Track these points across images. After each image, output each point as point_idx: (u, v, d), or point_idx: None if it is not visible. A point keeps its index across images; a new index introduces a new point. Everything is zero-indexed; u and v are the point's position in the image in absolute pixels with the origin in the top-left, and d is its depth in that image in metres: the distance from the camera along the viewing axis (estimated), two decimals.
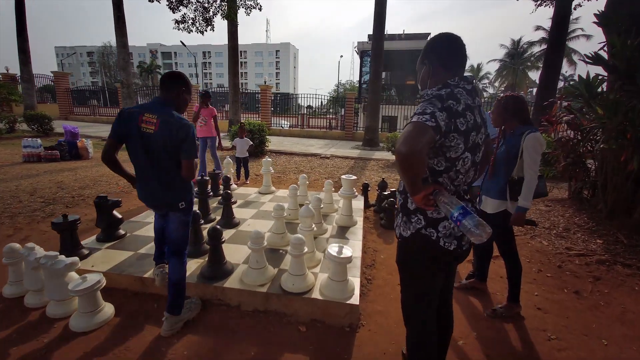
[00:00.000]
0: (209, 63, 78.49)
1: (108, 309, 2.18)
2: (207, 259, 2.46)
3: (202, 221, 2.77)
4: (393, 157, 8.67)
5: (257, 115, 15.75)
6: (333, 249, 2.22)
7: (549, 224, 4.17)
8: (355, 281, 2.38)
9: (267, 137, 9.07)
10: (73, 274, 2.24)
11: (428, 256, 1.40)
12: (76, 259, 2.22)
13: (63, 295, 2.16)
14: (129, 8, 11.97)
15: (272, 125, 15.45)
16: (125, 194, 4.93)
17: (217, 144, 5.56)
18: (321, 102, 16.83)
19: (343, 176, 3.48)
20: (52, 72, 16.10)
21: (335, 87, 53.49)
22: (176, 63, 79.25)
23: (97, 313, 2.11)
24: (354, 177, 3.48)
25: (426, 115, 1.20)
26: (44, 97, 20.94)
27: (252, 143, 5.91)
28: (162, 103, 1.96)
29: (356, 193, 3.54)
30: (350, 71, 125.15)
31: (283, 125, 16.11)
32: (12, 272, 2.37)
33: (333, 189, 4.00)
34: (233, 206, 4.04)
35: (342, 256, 2.15)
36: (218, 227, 2.39)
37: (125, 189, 5.16)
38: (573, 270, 3.06)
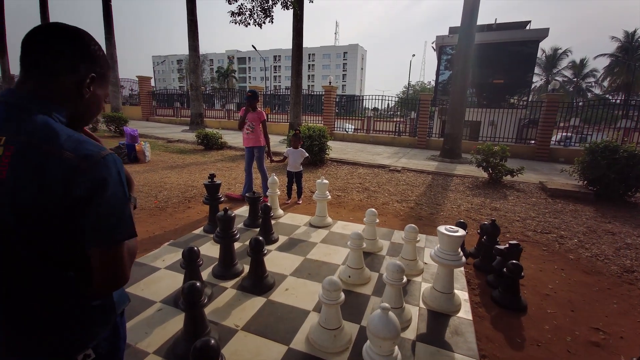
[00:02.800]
0: (279, 66, 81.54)
1: None
2: None
3: (205, 300, 1.66)
4: (483, 174, 6.81)
5: (320, 118, 14.84)
6: None
7: None
8: None
9: (329, 143, 7.94)
10: None
11: None
12: None
13: None
14: (212, 19, 12.02)
15: (336, 128, 14.35)
16: (159, 210, 4.22)
17: (264, 155, 4.58)
18: (388, 104, 15.20)
19: (442, 229, 2.09)
20: (136, 76, 17.43)
21: (404, 89, 50.53)
22: (249, 67, 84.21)
23: None
24: (462, 233, 2.06)
25: None
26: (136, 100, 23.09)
27: (307, 155, 4.80)
28: (22, 103, 0.73)
29: (463, 259, 2.11)
30: (421, 72, 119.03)
31: (347, 129, 14.89)
32: None
33: (418, 237, 2.61)
34: (272, 247, 2.95)
35: None
36: (212, 342, 1.25)
37: (160, 204, 4.46)
38: None
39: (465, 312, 2.11)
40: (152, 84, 18.46)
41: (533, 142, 11.26)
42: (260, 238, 2.26)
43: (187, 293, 1.60)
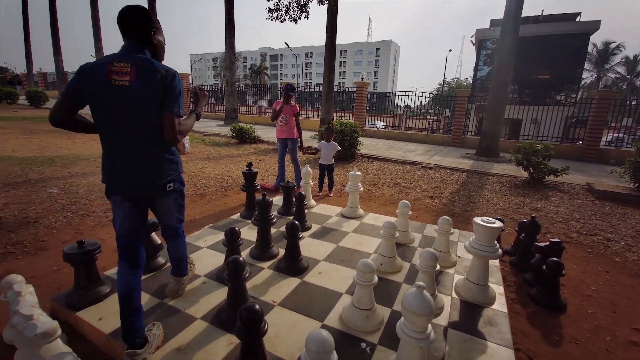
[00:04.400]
0: (310, 63, 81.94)
1: None
2: (238, 355, 1.46)
3: (247, 273, 1.79)
4: (523, 174, 6.50)
5: (351, 115, 14.81)
6: None
7: None
8: None
9: (360, 139, 7.95)
10: (55, 345, 1.52)
11: None
12: (53, 326, 1.48)
13: None
14: (247, 17, 12.39)
15: (367, 125, 14.26)
16: (198, 197, 4.48)
17: (297, 147, 4.70)
18: (421, 101, 14.82)
19: (478, 220, 2.07)
20: None
21: (439, 86, 48.88)
22: (281, 64, 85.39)
23: None
24: (499, 225, 2.03)
25: None
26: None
27: (339, 149, 4.86)
28: (131, 49, 1.48)
29: (500, 250, 2.08)
30: (457, 68, 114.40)
31: (378, 126, 14.74)
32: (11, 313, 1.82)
33: (452, 229, 2.60)
34: (305, 234, 3.05)
35: None
36: (257, 307, 1.36)
37: (199, 191, 4.74)
38: None
39: (500, 305, 2.08)
40: (190, 81, 19.34)
41: (581, 142, 10.51)
42: (296, 222, 2.37)
43: (232, 266, 1.73)
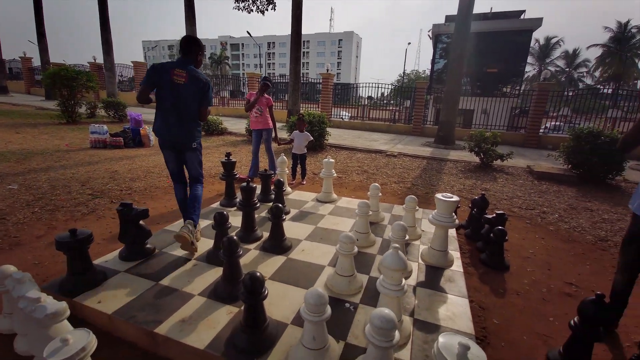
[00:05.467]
0: (273, 53, 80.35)
1: None
2: (241, 318, 1.66)
3: (241, 251, 1.98)
4: (475, 159, 7.18)
5: (317, 106, 15.02)
6: (448, 345, 1.24)
7: None
8: None
9: (327, 129, 8.21)
10: (62, 325, 1.61)
11: None
12: (62, 306, 1.57)
13: None
14: (205, 3, 11.95)
15: (333, 116, 14.56)
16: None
17: (272, 137, 4.85)
18: (383, 93, 15.44)
19: (439, 195, 2.42)
20: (131, 61, 17.27)
21: (399, 77, 50.53)
22: (243, 54, 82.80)
23: None
24: (456, 199, 2.39)
25: None
26: (132, 86, 22.71)
27: (312, 139, 5.08)
28: (186, 62, 2.53)
29: (457, 220, 2.46)
30: (416, 60, 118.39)
31: (343, 117, 15.12)
32: (7, 302, 1.84)
33: (417, 207, 2.95)
34: (285, 218, 3.25)
35: None
36: (258, 274, 1.56)
37: None
38: None
39: (457, 267, 2.47)
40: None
41: (523, 130, 11.66)
42: (280, 205, 2.57)
43: (227, 244, 1.90)
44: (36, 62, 21.48)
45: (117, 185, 4.48)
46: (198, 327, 1.72)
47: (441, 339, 1.28)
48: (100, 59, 16.06)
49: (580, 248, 3.36)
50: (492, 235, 2.85)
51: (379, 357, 1.34)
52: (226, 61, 59.44)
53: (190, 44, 2.52)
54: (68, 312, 1.60)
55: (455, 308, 1.99)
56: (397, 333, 1.32)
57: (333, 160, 3.88)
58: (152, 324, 1.72)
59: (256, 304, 1.60)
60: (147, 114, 13.52)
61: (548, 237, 3.56)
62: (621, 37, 33.33)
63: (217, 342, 1.62)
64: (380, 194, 3.31)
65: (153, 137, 7.70)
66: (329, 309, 1.47)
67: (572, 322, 1.78)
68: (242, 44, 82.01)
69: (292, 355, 1.53)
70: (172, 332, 1.68)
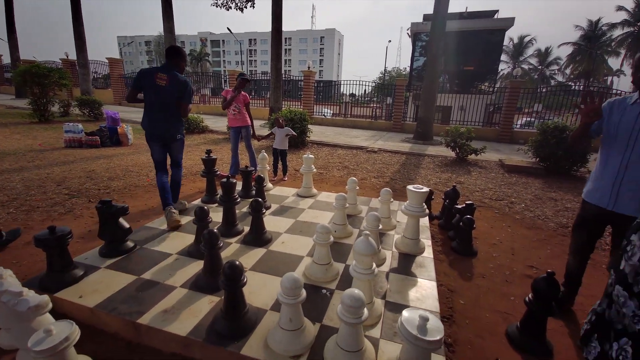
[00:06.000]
0: (255, 50, 79.40)
1: None
2: (222, 305, 1.75)
3: (221, 243, 2.06)
4: (451, 154, 7.47)
5: (299, 103, 15.06)
6: (410, 319, 1.37)
7: None
8: None
9: (309, 126, 8.30)
10: (44, 318, 1.65)
11: None
12: (44, 299, 1.61)
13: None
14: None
15: (315, 113, 14.66)
16: (153, 187, 4.47)
17: (251, 134, 4.89)
18: (365, 90, 15.65)
19: (411, 187, 2.58)
20: (107, 58, 16.72)
21: (381, 75, 51.11)
22: (224, 51, 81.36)
23: None
24: (426, 190, 2.55)
25: None
26: (107, 83, 21.91)
27: (294, 133, 5.16)
28: (169, 67, 2.99)
29: (427, 210, 2.62)
30: (397, 58, 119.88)
31: (325, 114, 15.24)
32: None
33: (392, 199, 3.11)
34: (266, 213, 3.35)
35: (428, 338, 1.29)
36: (237, 263, 1.65)
37: (153, 181, 4.70)
38: None
39: (428, 253, 2.63)
40: (123, 68, 17.74)
41: (497, 126, 12.14)
42: (260, 199, 2.65)
43: (208, 237, 1.98)
44: (6, 59, 20.47)
45: (95, 184, 4.42)
46: (180, 316, 1.79)
47: (405, 313, 1.42)
48: (73, 56, 15.48)
49: (543, 234, 3.61)
50: (461, 224, 3.04)
51: (349, 333, 1.46)
52: (207, 58, 58.28)
53: (172, 54, 3.01)
54: (50, 305, 1.64)
55: (424, 290, 2.15)
56: (365, 311, 1.45)
57: (312, 156, 3.98)
58: (135, 315, 1.78)
59: (235, 291, 1.69)
60: (124, 112, 13.21)
61: (514, 225, 3.80)
62: (592, 35, 34.94)
63: (199, 329, 1.70)
64: (357, 188, 3.44)
65: (132, 136, 7.57)
66: (304, 292, 1.58)
67: (527, 298, 1.97)
68: (223, 41, 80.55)
69: (270, 337, 1.63)
70: (155, 321, 1.74)
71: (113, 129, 7.29)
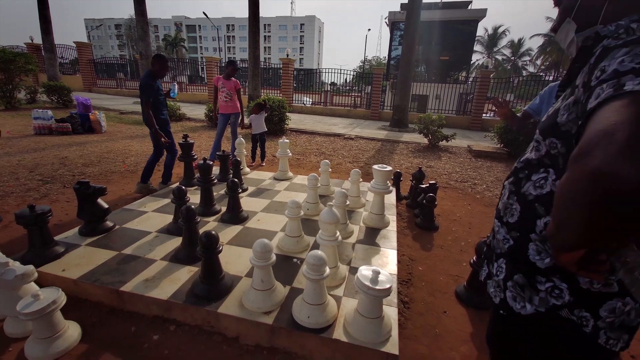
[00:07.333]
0: (233, 37, 77.13)
1: (72, 332, 1.70)
2: (200, 272, 1.92)
3: (199, 219, 2.21)
4: (424, 141, 7.81)
5: (278, 91, 15.01)
6: (365, 274, 1.60)
7: None
8: (391, 313, 1.77)
9: (288, 114, 8.39)
10: (30, 286, 1.76)
11: (568, 358, 0.76)
12: (30, 268, 1.73)
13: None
14: None
15: (294, 101, 14.68)
16: (130, 173, 4.49)
17: (239, 121, 4.99)
18: (346, 79, 15.76)
19: (376, 166, 2.80)
20: (74, 42, 15.91)
21: (361, 64, 51.18)
22: (200, 36, 78.56)
23: (56, 339, 1.63)
24: (389, 169, 2.79)
25: None
26: (74, 69, 20.82)
27: (266, 111, 5.24)
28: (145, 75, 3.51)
29: (391, 188, 2.86)
30: (377, 47, 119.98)
31: (305, 102, 15.29)
32: None
33: (361, 179, 3.33)
34: (243, 194, 3.50)
35: (378, 287, 1.52)
36: (213, 232, 1.82)
37: (130, 167, 4.72)
38: None
39: (392, 227, 2.88)
40: (91, 52, 16.94)
41: (469, 114, 12.64)
42: (236, 180, 2.80)
43: (185, 212, 2.12)
44: None
45: (69, 170, 4.40)
46: (161, 284, 1.95)
47: (361, 270, 1.64)
48: (37, 40, 14.65)
49: None
50: (424, 201, 3.32)
51: (313, 289, 1.68)
52: (182, 44, 56.19)
53: (157, 57, 3.54)
54: (36, 274, 1.76)
55: (386, 257, 2.40)
56: (327, 269, 1.67)
57: (288, 141, 4.14)
58: (117, 284, 1.92)
59: (212, 257, 1.86)
60: (95, 99, 12.75)
61: (474, 204, 4.14)
62: None
63: (179, 293, 1.87)
64: (330, 170, 3.65)
65: (105, 123, 7.41)
66: (273, 256, 1.78)
67: (471, 260, 2.26)
68: (199, 26, 77.63)
69: (244, 297, 1.82)
70: (137, 289, 1.89)
71: (85, 115, 7.10)
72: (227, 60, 4.82)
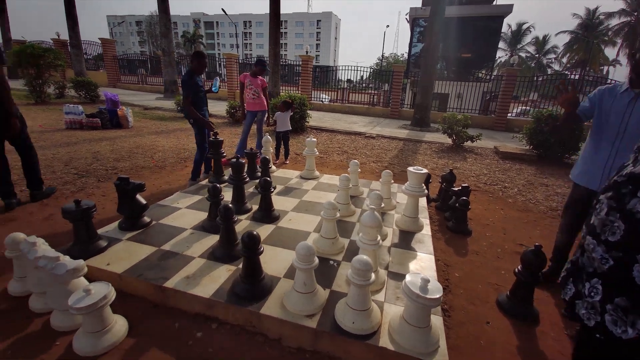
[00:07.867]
0: (250, 33, 77.63)
1: (119, 327, 1.73)
2: (241, 271, 1.92)
3: (236, 218, 2.21)
4: (448, 141, 7.64)
5: (296, 88, 15.00)
6: (413, 281, 1.56)
7: None
8: (437, 322, 1.73)
9: (308, 111, 8.36)
10: (80, 280, 1.80)
11: None
12: (81, 263, 1.77)
13: (67, 306, 1.74)
14: None
15: (312, 98, 14.64)
16: (159, 169, 4.58)
17: (265, 118, 5.02)
18: (362, 76, 15.59)
19: (411, 168, 2.74)
20: (99, 38, 16.34)
21: (378, 60, 50.59)
22: (218, 33, 79.41)
23: (105, 334, 1.66)
24: (425, 171, 2.72)
25: None
26: (98, 65, 21.41)
27: (292, 109, 5.25)
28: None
29: (425, 190, 2.79)
30: (394, 44, 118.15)
31: (323, 100, 15.23)
32: (17, 267, 2.00)
33: (392, 180, 3.28)
34: (273, 192, 3.49)
35: (428, 296, 1.48)
36: (255, 233, 1.81)
37: (158, 163, 4.80)
38: None
39: (426, 231, 2.82)
40: (115, 49, 17.38)
41: (493, 114, 12.29)
42: (268, 179, 2.80)
43: (224, 211, 2.13)
44: None
45: (102, 165, 4.51)
46: (202, 282, 1.96)
47: (408, 277, 1.60)
48: (64, 35, 15.13)
49: (533, 216, 3.83)
50: (457, 204, 3.23)
51: (358, 294, 1.65)
52: (200, 40, 56.98)
53: (195, 54, 3.74)
54: (86, 269, 1.80)
55: (423, 263, 2.34)
56: (372, 275, 1.63)
57: (315, 140, 4.11)
58: (161, 280, 1.95)
59: (254, 258, 1.85)
60: (121, 95, 13.07)
61: (506, 208, 4.01)
62: (589, 23, 34.84)
63: (220, 292, 1.88)
64: (359, 170, 3.60)
65: (132, 119, 7.58)
66: (316, 260, 1.76)
67: (516, 269, 2.18)
68: (217, 22, 78.47)
69: (286, 299, 1.81)
70: (179, 285, 1.91)
71: (113, 111, 7.28)
72: (255, 59, 4.85)
